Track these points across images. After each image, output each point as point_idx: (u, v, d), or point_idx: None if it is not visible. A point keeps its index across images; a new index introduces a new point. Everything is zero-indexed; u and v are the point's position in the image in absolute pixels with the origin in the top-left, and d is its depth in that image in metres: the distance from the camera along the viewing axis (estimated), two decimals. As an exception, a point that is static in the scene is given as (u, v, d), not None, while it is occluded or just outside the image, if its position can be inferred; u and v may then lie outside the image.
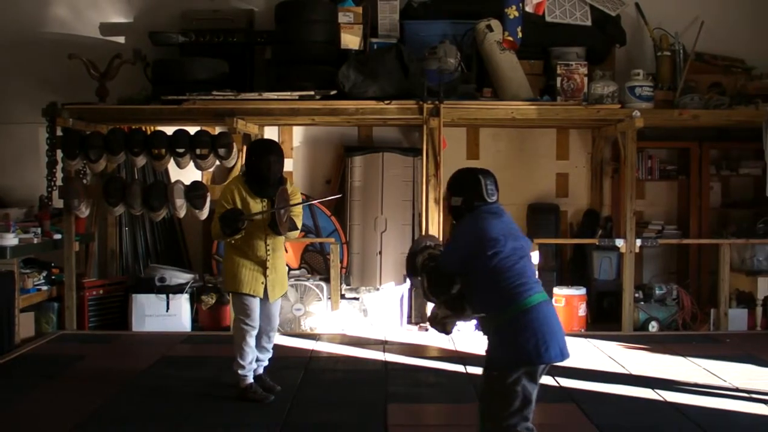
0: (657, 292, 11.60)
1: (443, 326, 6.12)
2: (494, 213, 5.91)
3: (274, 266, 8.06)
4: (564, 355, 5.58)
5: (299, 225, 8.20)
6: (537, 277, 5.83)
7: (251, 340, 8.03)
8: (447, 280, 5.92)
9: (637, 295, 11.45)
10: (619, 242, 11.34)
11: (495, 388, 5.65)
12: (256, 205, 7.91)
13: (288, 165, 12.45)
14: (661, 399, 8.12)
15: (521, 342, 5.52)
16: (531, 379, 5.56)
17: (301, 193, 9.32)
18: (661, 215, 12.78)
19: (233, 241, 7.90)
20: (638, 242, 11.36)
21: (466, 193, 6.08)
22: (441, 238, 11.19)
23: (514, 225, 5.97)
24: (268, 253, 8.00)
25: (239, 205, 7.86)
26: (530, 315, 5.54)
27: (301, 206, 8.37)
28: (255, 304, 8.00)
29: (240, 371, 8.02)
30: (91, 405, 7.96)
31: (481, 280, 5.72)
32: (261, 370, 8.38)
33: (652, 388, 8.45)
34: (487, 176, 6.05)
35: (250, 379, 8.12)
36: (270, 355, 8.44)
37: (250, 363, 8.09)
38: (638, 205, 11.84)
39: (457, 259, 5.87)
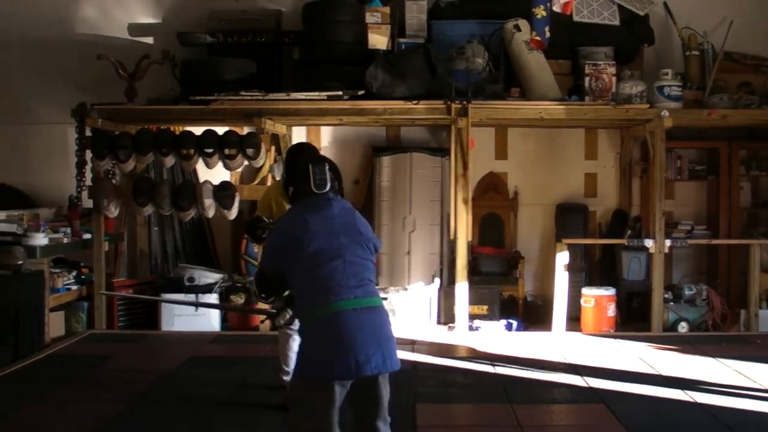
0: (686, 292, 11.53)
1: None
2: (313, 206, 5.36)
3: None
4: (360, 370, 4.99)
5: None
6: (362, 279, 5.23)
7: (295, 345, 7.94)
8: (272, 282, 5.54)
9: (666, 295, 11.39)
10: (648, 242, 11.29)
11: (292, 398, 5.34)
12: None
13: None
14: (691, 400, 8.08)
15: (309, 354, 5.13)
16: (324, 394, 5.02)
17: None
18: (691, 215, 12.71)
19: None
20: (667, 242, 11.31)
21: (295, 183, 5.61)
22: (470, 237, 11.22)
23: (344, 219, 5.37)
24: None
25: (274, 208, 7.81)
26: (323, 324, 5.07)
27: None
28: None
29: (286, 377, 7.95)
30: (120, 405, 7.99)
31: (291, 282, 5.33)
32: None
33: (682, 389, 8.40)
34: (318, 164, 5.51)
35: None
36: None
37: None
38: (667, 205, 11.76)
39: (271, 259, 5.48)
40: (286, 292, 5.55)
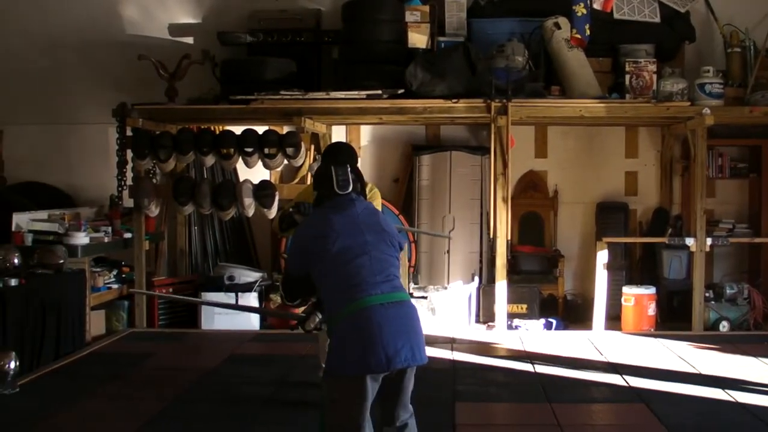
0: (728, 291, 11.46)
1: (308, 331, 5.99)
2: (337, 207, 5.49)
3: None
4: (391, 364, 5.07)
5: None
6: (389, 274, 5.33)
7: None
8: (297, 284, 5.70)
9: (707, 294, 11.31)
10: (690, 241, 11.22)
11: (326, 397, 5.31)
12: None
13: (356, 164, 12.55)
14: (732, 400, 8.01)
15: (340, 352, 5.19)
16: (357, 391, 5.10)
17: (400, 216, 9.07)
18: (732, 214, 12.60)
19: None
20: (709, 241, 11.23)
21: (320, 187, 5.70)
22: (510, 236, 11.21)
23: (367, 218, 5.51)
24: None
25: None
26: (353, 320, 5.14)
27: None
28: None
29: None
30: (160, 403, 8.04)
31: (318, 282, 5.41)
32: None
33: (723, 389, 8.33)
34: (340, 166, 5.66)
35: None
36: None
37: None
38: (709, 203, 11.68)
39: (297, 260, 5.57)
40: (314, 298, 5.73)
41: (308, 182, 10.94)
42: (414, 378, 5.37)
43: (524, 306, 11.61)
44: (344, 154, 7.62)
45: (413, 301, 5.80)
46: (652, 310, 11.33)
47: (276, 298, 11.32)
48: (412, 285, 11.67)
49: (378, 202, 8.15)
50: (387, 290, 5.23)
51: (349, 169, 5.64)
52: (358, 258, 5.26)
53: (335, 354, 5.23)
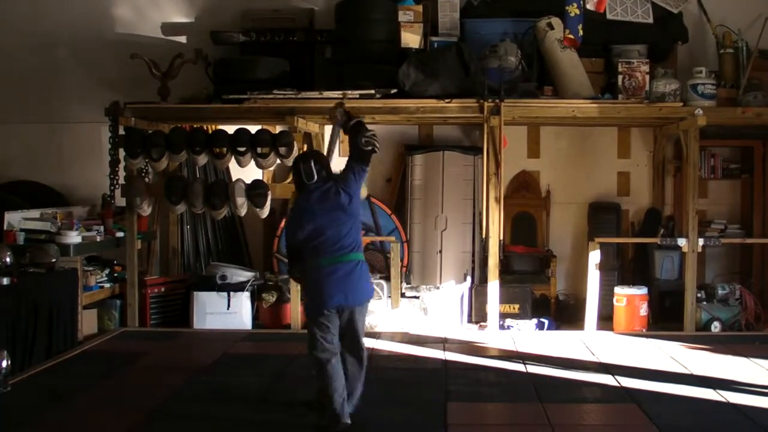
0: (720, 292, 11.47)
1: None
2: (306, 194, 7.37)
3: None
4: (327, 305, 7.12)
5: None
6: (342, 245, 7.23)
7: None
8: (292, 252, 7.63)
9: (699, 295, 11.31)
10: (682, 242, 11.23)
11: (307, 330, 7.40)
12: None
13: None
14: (724, 400, 8.02)
15: (305, 299, 7.73)
16: (317, 324, 7.18)
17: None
18: (724, 214, 12.64)
19: None
20: (701, 242, 11.23)
21: (295, 180, 7.56)
22: (502, 236, 11.22)
23: (322, 204, 7.25)
24: None
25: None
26: (310, 276, 7.30)
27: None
28: None
29: None
30: (152, 402, 8.03)
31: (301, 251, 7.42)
32: None
33: (715, 389, 8.35)
34: (305, 161, 7.42)
35: None
36: None
37: None
38: (701, 204, 11.70)
39: (289, 235, 7.59)
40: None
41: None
42: (360, 319, 7.38)
43: (516, 306, 11.62)
44: (308, 154, 8.03)
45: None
46: (644, 310, 11.34)
47: (268, 298, 11.32)
48: (404, 285, 11.68)
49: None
50: (337, 254, 7.20)
51: (312, 162, 7.38)
52: (318, 238, 7.20)
53: (304, 300, 8.00)
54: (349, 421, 7.10)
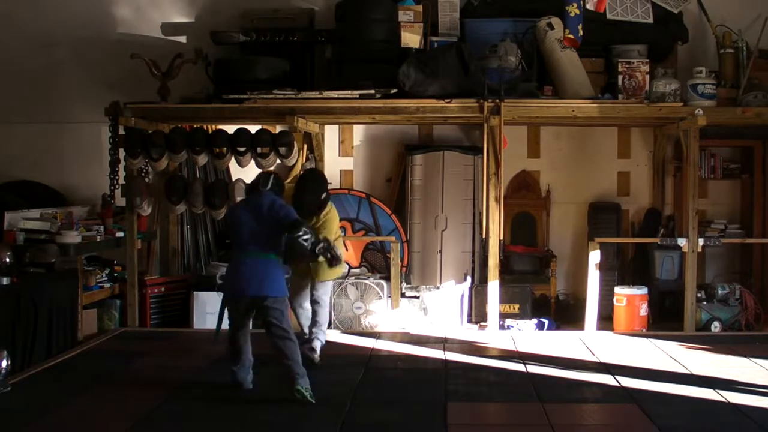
0: (720, 292, 11.48)
1: None
2: (247, 200, 8.57)
3: None
4: (235, 293, 8.19)
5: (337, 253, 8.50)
6: (258, 246, 8.13)
7: (304, 319, 9.77)
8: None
9: (699, 294, 11.32)
10: (682, 241, 11.24)
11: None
12: None
13: (348, 164, 12.66)
14: (724, 400, 8.02)
15: (223, 282, 8.76)
16: (230, 306, 8.32)
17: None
18: (724, 214, 12.64)
19: None
20: (701, 242, 11.23)
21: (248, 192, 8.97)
22: (502, 236, 11.22)
23: (257, 211, 8.17)
24: None
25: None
26: (230, 265, 8.47)
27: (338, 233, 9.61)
28: None
29: (315, 342, 9.51)
30: (152, 402, 8.02)
31: None
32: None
33: (714, 389, 8.34)
34: (261, 175, 8.62)
35: None
36: None
37: None
38: (701, 204, 11.70)
39: (230, 234, 8.83)
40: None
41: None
42: (275, 309, 8.09)
43: (516, 306, 11.63)
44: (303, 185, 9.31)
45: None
46: (643, 310, 11.34)
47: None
48: (404, 285, 11.66)
49: (335, 223, 9.48)
50: (253, 252, 8.13)
51: (263, 176, 8.50)
52: (245, 236, 8.20)
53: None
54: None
